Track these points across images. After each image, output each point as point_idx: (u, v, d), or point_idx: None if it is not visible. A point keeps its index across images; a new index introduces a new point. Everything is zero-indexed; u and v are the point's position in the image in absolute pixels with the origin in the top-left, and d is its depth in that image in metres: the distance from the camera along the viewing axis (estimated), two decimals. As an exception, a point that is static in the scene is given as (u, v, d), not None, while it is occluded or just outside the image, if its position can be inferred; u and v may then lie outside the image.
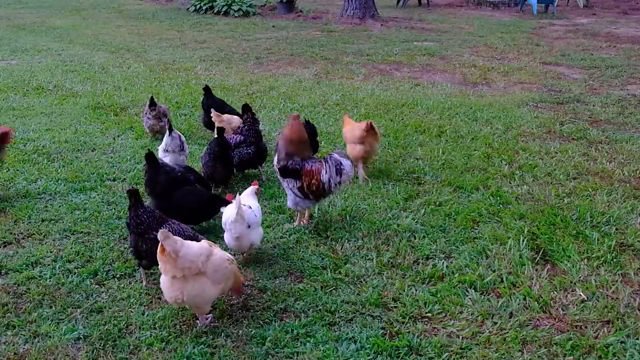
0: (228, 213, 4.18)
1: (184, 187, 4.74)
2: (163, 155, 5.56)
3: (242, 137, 5.60)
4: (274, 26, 16.14)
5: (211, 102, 6.81)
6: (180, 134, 5.71)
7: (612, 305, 3.77)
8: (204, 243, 3.61)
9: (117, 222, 4.84)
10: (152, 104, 6.65)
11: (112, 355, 3.34)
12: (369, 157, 5.73)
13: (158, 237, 3.30)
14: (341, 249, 4.47)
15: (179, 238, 3.44)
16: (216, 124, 5.99)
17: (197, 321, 3.61)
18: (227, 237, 4.20)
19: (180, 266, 3.36)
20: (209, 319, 3.64)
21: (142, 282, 4.02)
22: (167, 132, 5.58)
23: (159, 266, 3.45)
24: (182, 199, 4.63)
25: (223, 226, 4.24)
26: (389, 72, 10.70)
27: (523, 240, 4.51)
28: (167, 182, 4.69)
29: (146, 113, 6.74)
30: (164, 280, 3.49)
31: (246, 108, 5.74)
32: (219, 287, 3.54)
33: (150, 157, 4.69)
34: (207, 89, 6.93)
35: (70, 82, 9.54)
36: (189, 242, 3.52)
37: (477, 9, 20.55)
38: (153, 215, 3.96)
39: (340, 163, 4.68)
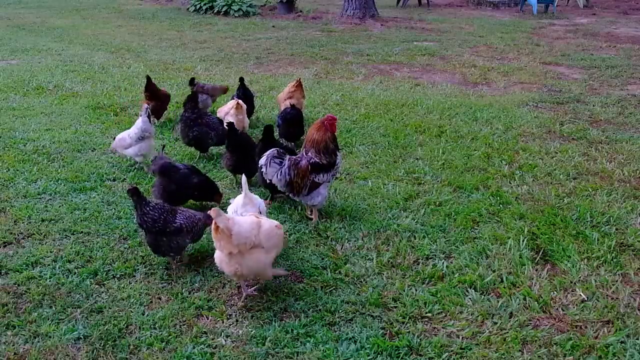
0: (235, 202, 4.21)
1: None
2: (136, 143, 5.74)
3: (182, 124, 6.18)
4: (274, 26, 16.14)
5: (242, 92, 7.31)
6: None
7: (612, 305, 3.77)
8: (252, 216, 3.71)
9: (117, 222, 4.84)
10: (191, 82, 7.46)
11: (112, 355, 3.34)
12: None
13: (210, 214, 3.40)
14: (341, 249, 4.47)
15: (230, 215, 3.54)
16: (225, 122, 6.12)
17: (250, 289, 3.82)
18: None
19: (235, 243, 3.46)
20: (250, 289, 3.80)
21: (173, 265, 4.15)
22: (145, 118, 5.76)
23: (214, 244, 3.54)
24: None
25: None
26: (389, 72, 10.69)
27: (523, 240, 4.51)
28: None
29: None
30: (220, 256, 3.59)
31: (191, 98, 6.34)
32: (274, 252, 3.69)
33: (269, 130, 5.35)
34: (242, 80, 7.43)
35: (70, 82, 9.54)
36: (239, 218, 3.64)
37: (477, 9, 20.54)
38: (164, 209, 4.03)
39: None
